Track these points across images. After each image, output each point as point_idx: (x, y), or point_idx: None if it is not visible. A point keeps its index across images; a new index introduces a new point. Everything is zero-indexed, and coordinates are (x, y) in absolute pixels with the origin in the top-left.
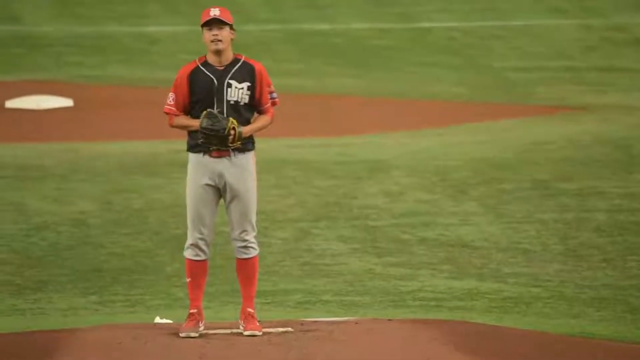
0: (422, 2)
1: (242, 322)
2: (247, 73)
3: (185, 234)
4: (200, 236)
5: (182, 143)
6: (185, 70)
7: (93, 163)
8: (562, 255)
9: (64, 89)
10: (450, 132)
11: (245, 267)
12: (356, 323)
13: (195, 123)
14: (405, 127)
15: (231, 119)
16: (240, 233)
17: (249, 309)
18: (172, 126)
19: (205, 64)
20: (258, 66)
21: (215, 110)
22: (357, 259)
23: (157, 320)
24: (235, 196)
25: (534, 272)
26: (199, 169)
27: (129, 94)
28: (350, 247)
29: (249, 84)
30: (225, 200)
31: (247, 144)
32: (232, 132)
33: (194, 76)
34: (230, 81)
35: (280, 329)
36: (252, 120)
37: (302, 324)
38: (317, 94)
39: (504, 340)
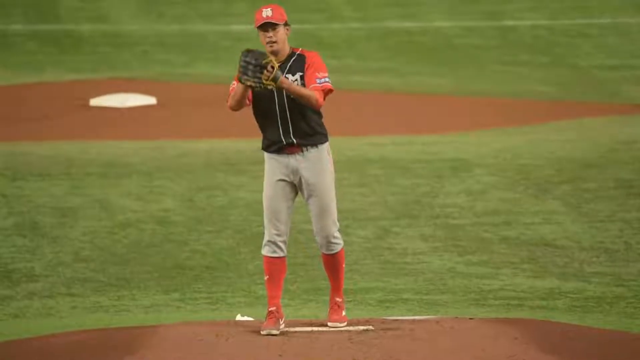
0: (507, 0)
1: (329, 313)
2: (299, 64)
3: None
4: (276, 232)
5: None
6: None
7: (178, 161)
8: None
9: (149, 87)
10: (534, 131)
11: (330, 262)
12: (437, 322)
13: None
14: (488, 126)
15: (272, 58)
16: (322, 228)
17: (337, 298)
18: (230, 106)
19: None
20: (310, 54)
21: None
22: (438, 257)
23: (239, 317)
24: (312, 191)
25: (617, 272)
26: (273, 165)
27: (215, 92)
28: (431, 246)
29: (300, 73)
30: (303, 197)
31: (318, 137)
32: (270, 68)
33: None
34: (286, 75)
35: (361, 327)
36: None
37: (383, 323)
38: (400, 92)
39: (587, 340)
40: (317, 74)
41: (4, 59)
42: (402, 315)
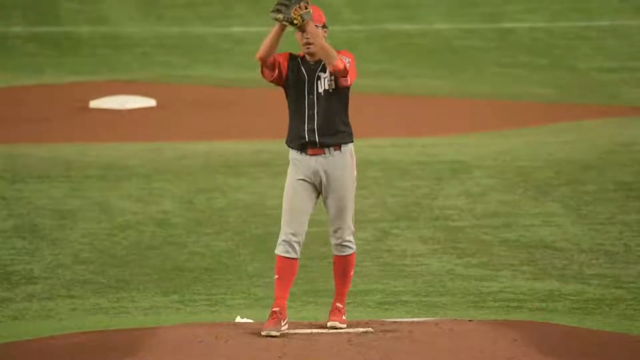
0: (506, 2)
1: (329, 315)
2: None
3: (268, 234)
4: (292, 232)
5: (265, 143)
6: (290, 54)
7: (177, 163)
8: None
9: (149, 89)
10: (533, 133)
11: (340, 264)
12: (436, 324)
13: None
14: (487, 128)
15: (304, 2)
16: (336, 230)
17: (339, 304)
18: (259, 55)
19: (303, 60)
20: (343, 52)
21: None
22: (437, 259)
23: (238, 319)
24: (331, 192)
25: (616, 274)
26: (296, 164)
27: (215, 94)
28: (430, 248)
29: None
30: (323, 198)
31: (342, 136)
32: (303, 5)
33: (294, 64)
34: (319, 74)
35: (361, 329)
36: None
37: (382, 324)
38: (400, 95)
39: (586, 342)
40: (343, 58)
41: (3, 61)
42: (401, 317)
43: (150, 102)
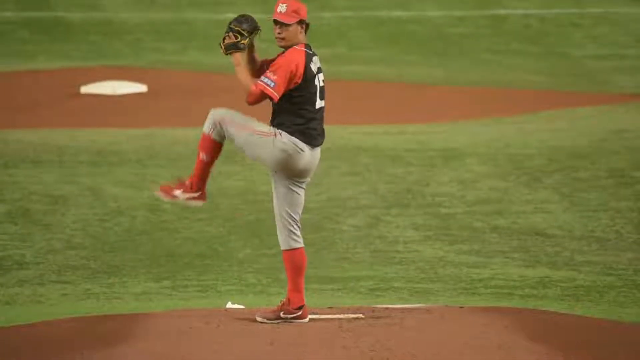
0: None
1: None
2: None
3: (258, 221)
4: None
5: None
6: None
7: (169, 149)
8: (637, 244)
9: (141, 75)
10: (526, 120)
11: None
12: (428, 310)
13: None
14: (480, 115)
15: (251, 30)
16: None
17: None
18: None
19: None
20: (286, 53)
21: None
22: (429, 246)
23: (229, 305)
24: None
25: (607, 261)
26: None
27: (206, 81)
28: (422, 235)
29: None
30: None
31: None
32: (232, 35)
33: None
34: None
35: (352, 316)
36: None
37: (373, 311)
38: (392, 82)
39: (577, 329)
40: (268, 72)
41: None
42: (392, 304)
43: (142, 88)
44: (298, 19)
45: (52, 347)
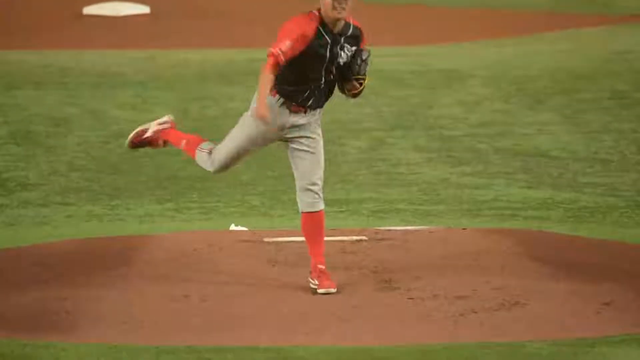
0: None
1: (315, 279)
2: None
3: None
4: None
5: (259, 52)
6: (309, 28)
7: (171, 71)
8: None
9: None
10: (529, 42)
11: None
12: (430, 232)
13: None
14: (483, 37)
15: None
16: (316, 182)
17: (320, 266)
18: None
19: (324, 25)
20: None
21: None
22: (432, 168)
23: (233, 227)
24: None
25: (610, 182)
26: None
27: (209, 3)
28: (425, 157)
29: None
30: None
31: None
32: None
33: (315, 40)
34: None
35: (355, 238)
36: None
37: (376, 233)
38: (393, 4)
39: (580, 250)
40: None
41: None
42: (395, 226)
43: (145, 9)
44: None
45: (56, 268)
